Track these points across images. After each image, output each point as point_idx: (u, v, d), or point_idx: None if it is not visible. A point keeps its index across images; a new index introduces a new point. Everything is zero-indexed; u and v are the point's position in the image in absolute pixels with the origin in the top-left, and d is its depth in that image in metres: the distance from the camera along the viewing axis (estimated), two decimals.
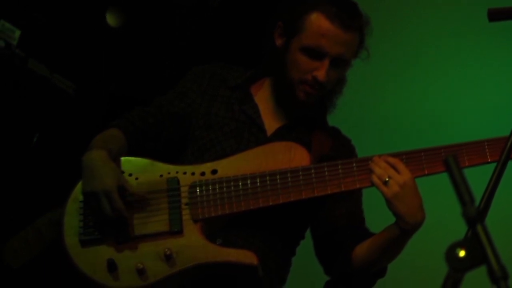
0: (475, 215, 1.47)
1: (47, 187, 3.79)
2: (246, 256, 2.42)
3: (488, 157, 2.44)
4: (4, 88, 3.90)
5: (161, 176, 2.53)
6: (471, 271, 1.44)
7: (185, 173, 2.54)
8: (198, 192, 2.49)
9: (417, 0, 4.34)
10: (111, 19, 4.29)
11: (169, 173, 2.54)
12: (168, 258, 2.40)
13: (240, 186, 2.48)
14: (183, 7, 4.51)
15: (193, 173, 2.53)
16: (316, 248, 2.67)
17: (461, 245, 1.45)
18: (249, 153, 2.56)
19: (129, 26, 4.37)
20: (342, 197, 2.58)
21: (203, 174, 2.53)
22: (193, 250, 2.42)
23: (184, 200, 2.49)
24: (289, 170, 2.48)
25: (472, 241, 1.45)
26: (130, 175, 2.53)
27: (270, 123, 2.67)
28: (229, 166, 2.53)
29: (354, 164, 2.47)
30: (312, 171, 2.47)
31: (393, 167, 2.40)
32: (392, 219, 2.41)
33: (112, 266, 2.40)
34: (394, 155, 2.45)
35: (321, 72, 2.53)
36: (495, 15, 2.14)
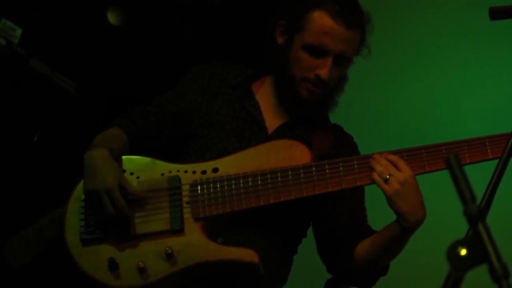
0: (476, 214, 1.47)
1: (48, 186, 3.79)
2: (247, 255, 2.42)
3: (489, 154, 2.44)
4: (5, 86, 3.90)
5: (162, 174, 2.54)
6: (473, 269, 1.45)
7: (186, 171, 2.54)
8: (199, 191, 2.49)
9: (417, 0, 4.34)
10: (112, 18, 4.29)
11: (170, 171, 2.54)
12: (169, 256, 2.40)
13: (241, 185, 2.48)
14: (183, 7, 4.51)
15: (194, 172, 2.53)
16: (318, 246, 2.67)
17: (462, 243, 1.45)
18: (250, 151, 2.56)
19: (128, 26, 4.37)
20: (344, 195, 2.58)
21: (204, 172, 2.53)
22: (194, 248, 2.42)
23: (185, 199, 2.49)
24: (290, 168, 2.48)
25: (473, 240, 1.45)
26: (132, 173, 2.54)
27: (271, 121, 2.67)
28: (230, 164, 2.53)
29: (355, 162, 2.47)
30: (313, 169, 2.47)
31: (394, 164, 2.40)
32: (393, 217, 2.42)
33: (113, 265, 2.40)
34: (395, 153, 2.45)
35: (324, 70, 2.54)
36: (497, 13, 2.14)
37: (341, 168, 2.47)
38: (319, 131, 2.68)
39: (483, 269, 1.44)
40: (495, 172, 1.77)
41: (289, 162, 2.50)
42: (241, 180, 2.48)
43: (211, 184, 2.50)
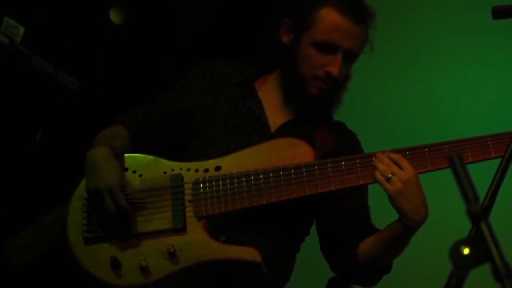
0: (479, 213, 1.47)
1: (51, 184, 3.79)
2: (249, 253, 2.42)
3: (492, 152, 2.43)
4: (8, 84, 3.90)
5: (164, 173, 2.54)
6: (475, 268, 1.45)
7: (188, 169, 2.54)
8: (201, 189, 2.49)
9: (417, 0, 4.34)
10: (114, 16, 4.29)
11: (172, 170, 2.54)
12: (172, 255, 2.40)
13: (244, 183, 2.47)
14: (183, 7, 4.51)
15: (196, 170, 2.53)
16: (322, 244, 2.67)
17: (465, 242, 1.45)
18: (253, 149, 2.56)
19: (128, 26, 4.37)
20: (347, 193, 2.58)
21: (206, 170, 2.53)
22: (197, 247, 2.42)
23: (187, 197, 2.49)
24: (292, 166, 2.47)
25: (476, 239, 1.45)
26: (134, 171, 2.54)
27: (274, 119, 2.66)
28: (232, 163, 2.53)
29: (357, 161, 2.47)
30: (316, 167, 2.47)
31: (396, 163, 2.40)
32: (396, 216, 2.42)
33: (115, 264, 2.40)
34: (397, 151, 2.45)
35: (335, 67, 2.53)
36: (499, 13, 2.14)
37: (343, 166, 2.46)
38: (322, 128, 2.68)
39: (485, 268, 1.44)
40: (498, 171, 1.77)
41: (292, 161, 2.50)
42: (243, 178, 2.48)
43: (214, 183, 2.49)
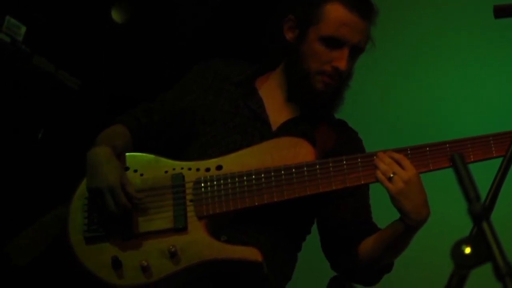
0: (480, 212, 1.47)
1: (52, 183, 3.79)
2: (251, 253, 2.42)
3: (494, 152, 2.43)
4: (10, 83, 3.90)
5: (166, 172, 2.53)
6: (477, 268, 1.45)
7: (190, 169, 2.54)
8: (203, 189, 2.49)
9: (417, 0, 4.35)
10: (116, 15, 4.29)
11: (174, 169, 2.54)
12: (173, 255, 2.40)
13: (245, 183, 2.47)
14: (183, 7, 4.51)
15: (198, 169, 2.53)
16: (323, 244, 2.67)
17: (466, 242, 1.45)
18: (254, 148, 2.56)
19: (128, 26, 4.37)
20: (348, 192, 2.58)
21: (208, 170, 2.52)
22: (198, 247, 2.42)
23: (188, 197, 2.49)
24: (293, 166, 2.47)
25: (477, 238, 1.45)
26: (135, 171, 2.54)
27: (275, 118, 2.66)
28: (234, 162, 2.53)
29: (359, 160, 2.46)
30: (317, 167, 2.47)
31: (398, 162, 2.39)
32: (397, 215, 2.41)
33: (116, 264, 2.40)
34: (399, 151, 2.44)
35: (342, 62, 2.53)
36: (501, 12, 2.14)
37: (345, 166, 2.46)
38: (323, 127, 2.67)
39: (487, 267, 1.44)
40: (500, 171, 1.77)
41: (293, 160, 2.49)
42: (244, 178, 2.48)
43: (215, 182, 2.49)
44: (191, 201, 2.48)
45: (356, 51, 2.58)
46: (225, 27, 4.47)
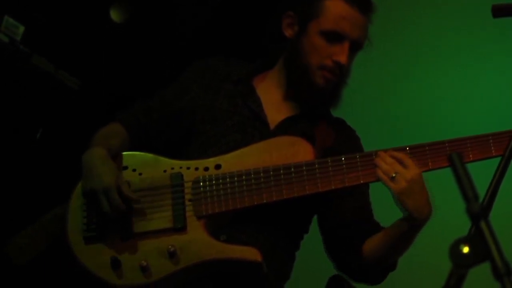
0: (478, 211, 1.47)
1: (51, 183, 3.79)
2: (250, 253, 2.41)
3: (493, 151, 2.43)
4: (8, 83, 3.90)
5: (164, 171, 2.53)
6: (475, 267, 1.45)
7: (188, 168, 2.53)
8: (201, 188, 2.49)
9: (417, 0, 4.35)
10: (115, 15, 4.29)
11: (172, 168, 2.53)
12: (172, 255, 2.40)
13: (244, 182, 2.47)
14: (183, 7, 4.51)
15: (196, 168, 2.53)
16: (326, 244, 2.66)
17: (464, 241, 1.45)
18: (252, 147, 2.55)
19: (128, 26, 4.37)
20: (349, 192, 2.57)
21: (206, 169, 2.52)
22: (197, 247, 2.42)
23: (187, 196, 2.48)
24: (292, 165, 2.47)
25: (475, 238, 1.45)
26: (134, 170, 2.53)
27: (273, 116, 2.65)
28: (232, 161, 2.52)
29: (358, 159, 2.46)
30: (316, 166, 2.46)
31: (400, 162, 2.39)
32: (396, 214, 2.42)
33: (115, 264, 2.40)
34: (398, 150, 2.44)
35: (343, 56, 2.54)
36: (499, 11, 2.14)
37: (344, 165, 2.46)
38: (322, 125, 2.67)
39: (485, 267, 1.44)
40: (498, 170, 1.77)
41: (292, 159, 2.49)
42: (243, 177, 2.48)
43: (214, 181, 2.49)
44: (190, 200, 2.48)
45: (355, 46, 2.58)
46: (225, 27, 4.47)
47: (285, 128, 2.63)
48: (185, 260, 2.41)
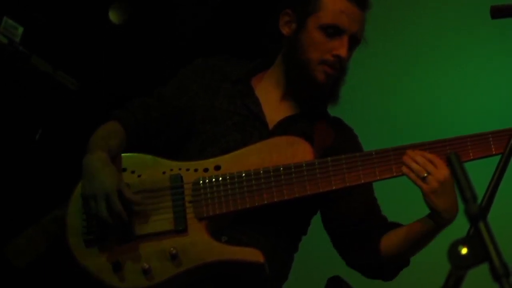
0: (477, 212, 1.47)
1: (50, 184, 3.79)
2: (252, 254, 2.41)
3: (493, 149, 2.43)
4: (7, 84, 3.90)
5: (164, 173, 2.52)
6: (474, 268, 1.45)
7: (188, 169, 2.52)
8: (202, 190, 2.48)
9: (417, 0, 4.35)
10: (113, 16, 4.29)
11: (172, 169, 2.52)
12: (174, 257, 2.39)
13: (244, 183, 2.46)
14: (183, 7, 4.51)
15: (196, 170, 2.52)
16: (335, 241, 2.66)
17: (463, 242, 1.45)
18: (251, 148, 2.55)
19: (128, 26, 4.37)
20: (352, 189, 2.56)
21: (206, 170, 2.51)
22: (199, 249, 2.41)
23: (187, 198, 2.47)
24: (292, 165, 2.46)
25: (474, 239, 1.45)
26: (133, 172, 2.52)
27: (272, 116, 2.65)
28: (232, 162, 2.52)
29: (358, 159, 2.46)
30: (316, 166, 2.46)
31: (431, 162, 2.39)
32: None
33: (117, 266, 2.39)
34: (397, 149, 2.44)
35: (342, 50, 2.54)
36: (498, 12, 2.14)
37: (344, 165, 2.46)
38: (320, 125, 2.67)
39: (484, 268, 1.44)
40: (496, 171, 1.77)
41: (292, 159, 2.49)
42: (244, 178, 2.47)
43: (214, 183, 2.48)
44: (190, 202, 2.47)
45: (353, 41, 2.59)
46: (225, 27, 4.47)
47: (284, 127, 2.63)
48: (187, 262, 2.40)
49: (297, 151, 2.51)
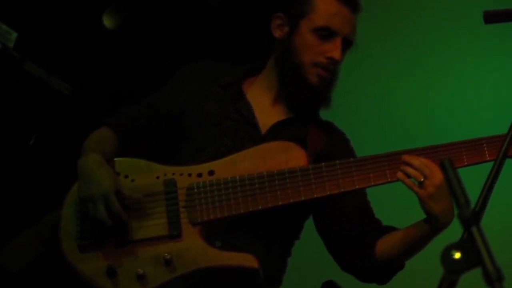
0: (470, 217, 1.48)
1: (44, 189, 3.78)
2: (247, 260, 2.40)
3: (487, 155, 2.43)
4: (1, 90, 3.90)
5: (157, 177, 2.52)
6: (466, 273, 1.45)
7: (181, 174, 2.52)
8: (196, 195, 2.47)
9: (417, 0, 4.35)
10: (108, 21, 4.29)
11: (165, 174, 2.52)
12: (168, 262, 2.39)
13: (239, 188, 2.46)
14: (183, 7, 4.51)
15: (189, 174, 2.51)
16: (329, 245, 2.65)
17: (456, 247, 1.46)
18: (245, 153, 2.55)
19: (128, 26, 4.36)
20: (348, 193, 2.56)
21: (200, 175, 2.51)
22: (193, 254, 2.40)
23: (181, 203, 2.47)
24: (286, 170, 2.46)
25: (467, 243, 1.46)
26: (126, 176, 2.52)
27: (264, 121, 2.65)
28: (226, 167, 2.51)
29: (352, 164, 2.46)
30: (311, 171, 2.46)
31: (427, 166, 2.39)
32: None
33: (111, 272, 2.39)
34: (391, 154, 2.44)
35: (336, 52, 2.55)
36: (491, 17, 2.15)
37: (338, 171, 2.46)
38: (313, 129, 2.67)
39: (477, 272, 1.45)
40: (490, 176, 1.77)
41: (286, 165, 2.49)
42: (238, 183, 2.47)
43: (208, 188, 2.48)
44: (184, 207, 2.47)
45: (345, 44, 2.59)
46: (225, 27, 4.47)
47: (277, 132, 2.62)
48: (182, 268, 2.39)
49: (291, 156, 2.51)
